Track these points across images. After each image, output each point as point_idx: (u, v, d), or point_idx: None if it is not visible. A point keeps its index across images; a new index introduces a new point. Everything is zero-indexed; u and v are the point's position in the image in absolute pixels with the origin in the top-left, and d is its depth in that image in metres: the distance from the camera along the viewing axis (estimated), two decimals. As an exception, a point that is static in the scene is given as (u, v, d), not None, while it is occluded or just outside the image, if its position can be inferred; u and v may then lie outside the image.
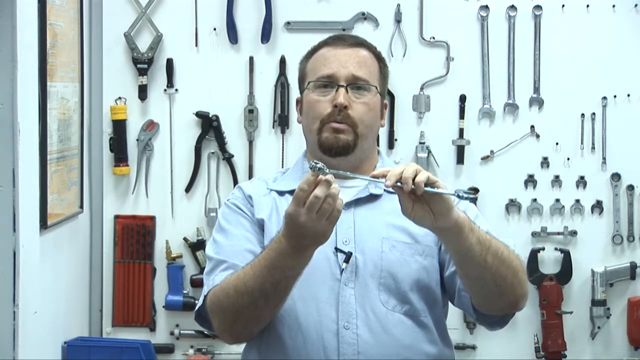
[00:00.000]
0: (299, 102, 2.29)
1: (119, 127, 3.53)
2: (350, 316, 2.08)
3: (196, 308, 2.16)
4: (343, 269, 2.09)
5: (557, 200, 3.56)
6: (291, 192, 2.20)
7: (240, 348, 2.25)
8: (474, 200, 3.45)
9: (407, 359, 2.09)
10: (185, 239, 3.57)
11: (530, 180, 3.55)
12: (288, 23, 3.53)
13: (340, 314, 2.08)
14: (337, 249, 2.11)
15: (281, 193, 2.23)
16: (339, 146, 2.16)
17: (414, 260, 2.13)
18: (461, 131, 3.54)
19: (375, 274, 2.10)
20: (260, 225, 2.18)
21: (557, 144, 3.55)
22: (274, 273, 1.96)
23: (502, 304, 2.07)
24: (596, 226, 3.56)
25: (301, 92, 2.28)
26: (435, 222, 1.90)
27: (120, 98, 3.54)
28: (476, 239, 1.95)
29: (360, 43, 2.26)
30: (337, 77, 2.18)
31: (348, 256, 2.10)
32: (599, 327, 3.55)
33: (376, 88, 2.21)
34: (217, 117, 3.53)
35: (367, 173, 2.21)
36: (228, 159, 3.56)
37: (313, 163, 1.89)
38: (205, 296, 2.12)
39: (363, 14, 3.53)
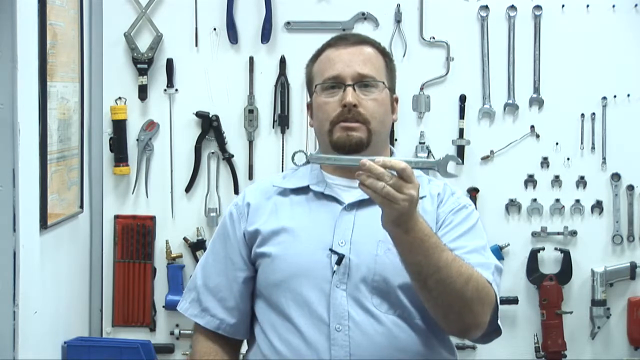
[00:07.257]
0: (309, 106, 2.27)
1: (119, 127, 3.53)
2: (342, 318, 2.07)
3: (178, 307, 2.35)
4: (335, 271, 2.09)
5: (557, 200, 3.55)
6: (299, 190, 2.21)
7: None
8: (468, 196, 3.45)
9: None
10: (185, 239, 3.57)
11: (530, 180, 3.55)
12: (288, 23, 3.53)
13: (332, 316, 2.07)
14: (331, 250, 2.10)
15: (285, 193, 2.22)
16: (351, 143, 2.14)
17: None
18: (461, 131, 3.54)
19: (368, 277, 2.08)
20: (251, 237, 2.19)
21: (557, 144, 3.55)
22: None
23: (450, 327, 2.08)
24: (596, 226, 3.56)
25: (310, 96, 2.27)
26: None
27: (120, 98, 3.54)
28: (421, 260, 1.94)
29: (363, 40, 2.25)
30: (343, 77, 2.17)
31: (340, 258, 2.08)
32: (599, 327, 3.55)
33: (384, 83, 2.20)
34: (217, 117, 3.53)
35: None
36: (228, 159, 3.56)
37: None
38: (184, 309, 2.34)
39: (363, 14, 3.53)
